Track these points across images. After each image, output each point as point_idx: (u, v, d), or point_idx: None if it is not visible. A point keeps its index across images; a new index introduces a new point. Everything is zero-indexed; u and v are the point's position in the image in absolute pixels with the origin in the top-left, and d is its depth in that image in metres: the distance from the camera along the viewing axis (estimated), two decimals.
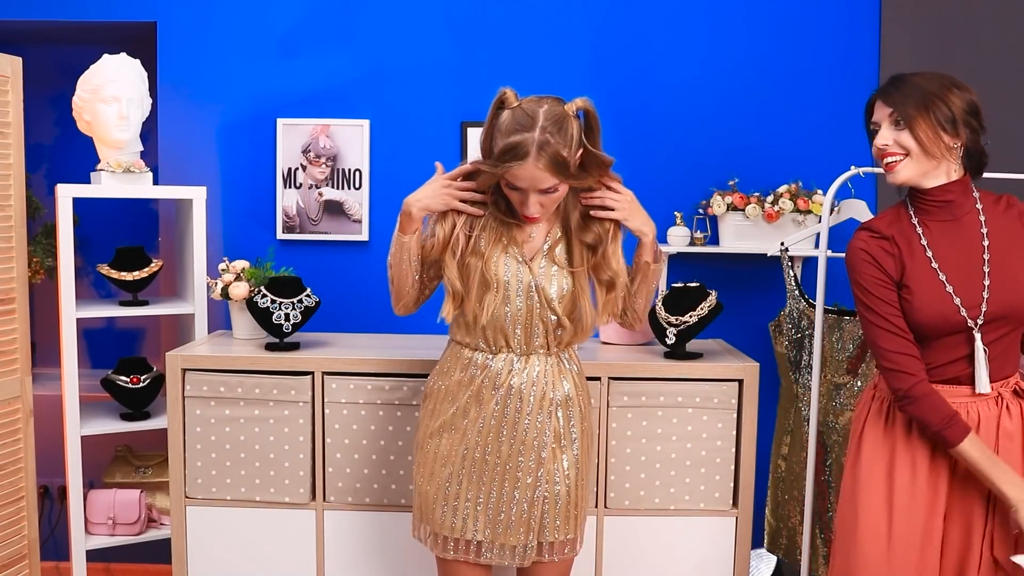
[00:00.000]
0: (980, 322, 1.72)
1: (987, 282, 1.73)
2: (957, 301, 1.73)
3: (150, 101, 2.82)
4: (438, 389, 1.96)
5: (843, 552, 1.84)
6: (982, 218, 1.77)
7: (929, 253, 1.77)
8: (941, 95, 1.71)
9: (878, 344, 1.77)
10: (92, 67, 2.72)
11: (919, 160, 1.72)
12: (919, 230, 1.79)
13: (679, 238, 2.89)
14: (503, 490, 1.87)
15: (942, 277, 1.75)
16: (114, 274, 2.82)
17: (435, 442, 1.92)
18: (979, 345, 1.72)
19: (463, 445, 1.89)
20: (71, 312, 2.63)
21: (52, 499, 3.18)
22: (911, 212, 1.81)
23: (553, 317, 1.87)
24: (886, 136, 1.74)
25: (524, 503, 1.87)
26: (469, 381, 1.89)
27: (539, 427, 1.87)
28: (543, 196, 1.77)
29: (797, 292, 2.62)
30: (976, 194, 1.79)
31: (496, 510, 1.88)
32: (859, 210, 2.64)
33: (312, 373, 2.40)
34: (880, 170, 2.57)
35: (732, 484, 2.38)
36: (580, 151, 1.76)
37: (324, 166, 3.02)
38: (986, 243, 1.75)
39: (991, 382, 1.74)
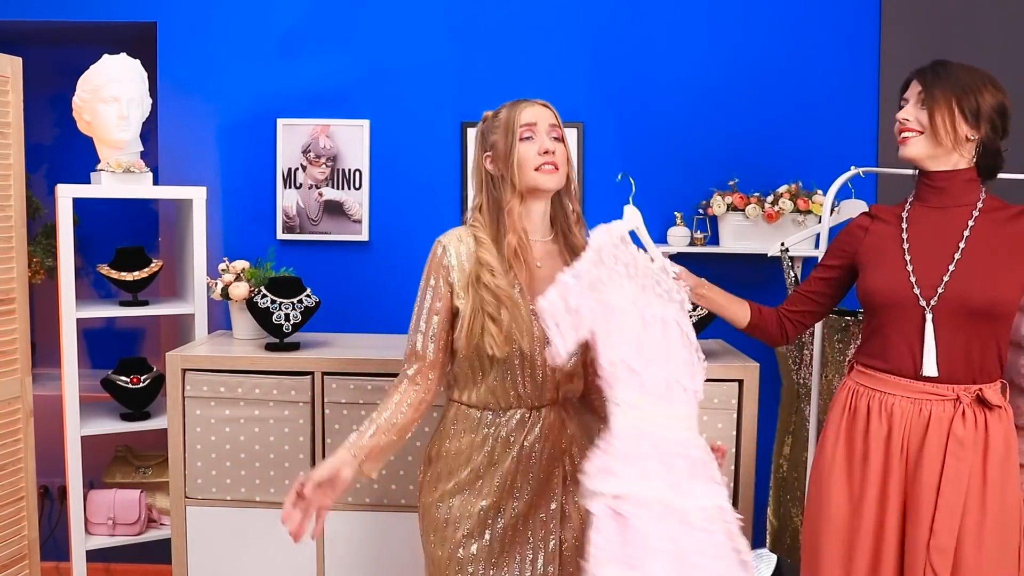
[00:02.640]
0: (932, 303, 1.74)
1: (951, 268, 1.75)
2: (912, 279, 1.77)
3: (150, 101, 2.82)
4: (447, 452, 1.84)
5: (810, 541, 1.88)
6: (974, 213, 1.78)
7: (904, 235, 1.82)
8: (975, 87, 1.74)
9: (803, 283, 2.01)
10: (92, 67, 2.72)
11: (930, 140, 1.76)
12: (906, 212, 1.85)
13: (679, 238, 2.89)
14: (525, 551, 1.80)
15: (907, 256, 1.79)
16: (114, 274, 2.82)
17: (446, 505, 1.82)
18: (929, 327, 1.74)
19: (478, 505, 1.80)
20: (71, 312, 2.63)
21: (52, 499, 3.18)
22: (911, 197, 1.88)
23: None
24: (908, 111, 1.80)
25: (540, 560, 1.80)
26: (482, 441, 1.80)
27: (551, 476, 1.80)
28: (553, 143, 1.78)
29: None
30: (983, 194, 1.80)
31: (521, 571, 1.80)
32: (860, 210, 2.64)
33: (312, 373, 2.40)
34: (880, 170, 2.59)
35: (732, 484, 2.38)
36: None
37: (324, 166, 3.02)
38: (966, 233, 1.77)
39: (951, 383, 1.74)
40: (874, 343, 1.84)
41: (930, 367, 1.74)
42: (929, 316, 1.74)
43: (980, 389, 1.74)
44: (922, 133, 1.77)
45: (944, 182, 1.80)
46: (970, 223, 1.77)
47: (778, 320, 1.99)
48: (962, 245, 1.76)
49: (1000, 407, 1.75)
